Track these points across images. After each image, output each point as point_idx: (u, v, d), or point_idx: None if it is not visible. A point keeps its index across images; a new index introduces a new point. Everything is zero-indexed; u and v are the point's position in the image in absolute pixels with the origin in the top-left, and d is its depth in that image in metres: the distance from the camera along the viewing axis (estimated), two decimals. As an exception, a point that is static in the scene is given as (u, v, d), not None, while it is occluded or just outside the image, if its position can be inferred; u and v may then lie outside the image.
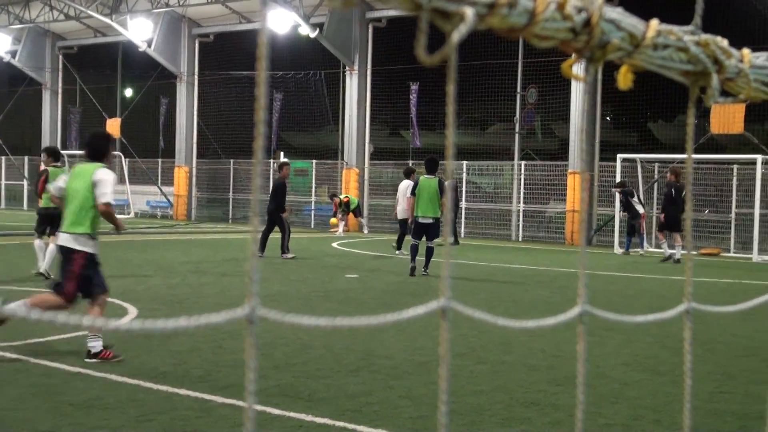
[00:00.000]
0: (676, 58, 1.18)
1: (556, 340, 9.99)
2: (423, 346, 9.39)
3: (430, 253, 16.77)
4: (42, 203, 14.53)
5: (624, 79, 1.17)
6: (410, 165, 26.53)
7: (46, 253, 14.42)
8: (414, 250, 16.75)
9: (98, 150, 8.75)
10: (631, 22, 1.09)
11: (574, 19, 1.02)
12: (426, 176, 16.90)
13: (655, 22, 1.13)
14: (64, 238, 8.41)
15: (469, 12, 0.99)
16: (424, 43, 1.00)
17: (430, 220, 16.61)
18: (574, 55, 1.12)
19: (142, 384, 7.28)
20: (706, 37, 1.21)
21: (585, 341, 1.13)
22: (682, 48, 1.17)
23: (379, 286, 14.92)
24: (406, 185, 20.87)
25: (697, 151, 27.57)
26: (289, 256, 20.12)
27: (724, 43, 1.26)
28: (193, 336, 9.61)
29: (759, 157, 24.47)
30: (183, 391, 7.06)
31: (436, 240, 16.82)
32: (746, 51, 1.34)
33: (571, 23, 1.02)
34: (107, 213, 8.49)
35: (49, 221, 13.97)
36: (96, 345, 8.22)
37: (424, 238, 16.71)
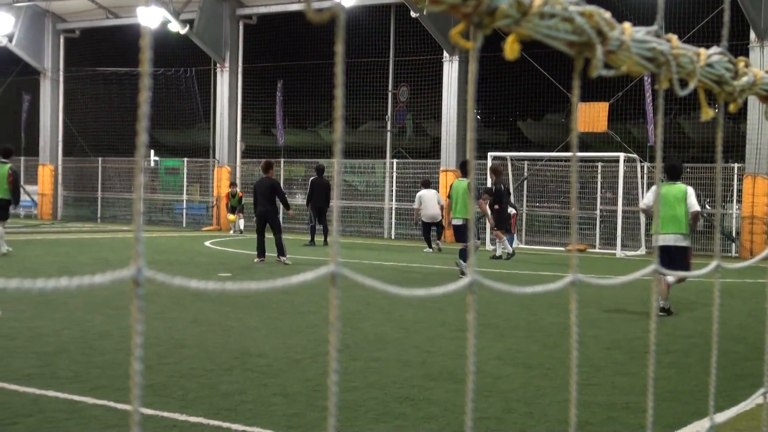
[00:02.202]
0: (562, 28, 1.19)
1: (429, 335, 10.09)
2: (297, 344, 9.35)
3: (462, 254, 17.47)
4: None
5: (511, 49, 1.17)
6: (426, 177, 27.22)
7: None
8: (462, 254, 17.53)
9: (679, 170, 12.66)
10: (519, -12, 1.09)
11: (463, -18, 1.01)
12: (460, 179, 17.53)
13: (542, -9, 1.14)
14: (673, 238, 12.06)
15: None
16: (311, 5, 0.97)
17: (461, 222, 17.20)
18: (462, 21, 1.11)
19: (7, 387, 7.02)
20: (590, 8, 1.23)
21: (475, 311, 1.13)
22: (567, 18, 1.18)
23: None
24: (432, 193, 24.20)
25: (563, 149, 28.31)
26: (288, 261, 19.13)
27: (607, 15, 1.28)
28: (61, 337, 9.35)
29: (621, 155, 25.26)
30: (51, 393, 6.85)
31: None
32: (627, 24, 1.36)
33: (461, -14, 1.02)
34: (695, 218, 12.13)
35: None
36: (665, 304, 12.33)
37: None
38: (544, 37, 1.18)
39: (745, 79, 1.65)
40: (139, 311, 0.79)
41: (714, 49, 1.59)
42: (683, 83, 1.51)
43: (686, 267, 12.00)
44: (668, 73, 1.43)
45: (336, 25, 0.84)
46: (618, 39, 1.29)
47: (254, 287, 1.01)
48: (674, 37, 1.47)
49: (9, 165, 19.34)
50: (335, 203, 1.10)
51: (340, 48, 0.91)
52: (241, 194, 31.38)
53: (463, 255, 17.44)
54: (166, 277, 0.85)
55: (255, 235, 19.81)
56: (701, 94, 1.62)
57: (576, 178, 1.35)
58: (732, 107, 1.70)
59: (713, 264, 1.96)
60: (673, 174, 12.64)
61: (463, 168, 17.85)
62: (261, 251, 19.21)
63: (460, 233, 17.41)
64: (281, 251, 19.07)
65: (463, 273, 17.26)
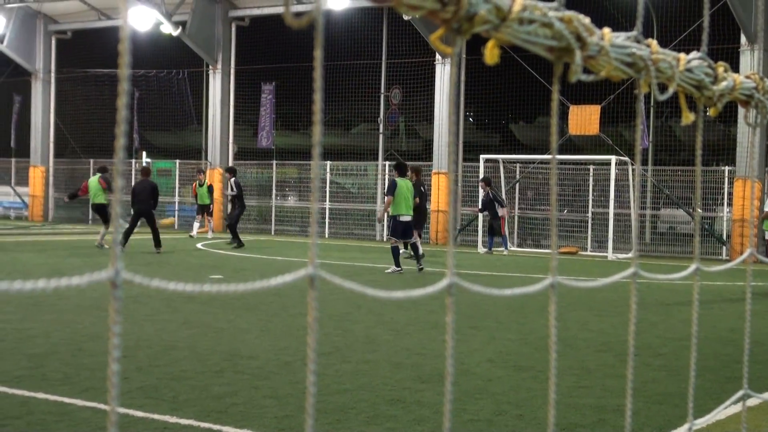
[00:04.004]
0: (541, 33, 1.20)
1: (420, 338, 10.09)
2: (287, 346, 9.35)
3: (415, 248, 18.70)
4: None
5: (491, 54, 1.18)
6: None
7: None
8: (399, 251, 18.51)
9: None
10: (497, -6, 1.10)
11: (442, -12, 1.02)
12: (399, 178, 18.50)
13: (521, -3, 1.15)
14: None
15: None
16: (290, 9, 0.98)
17: (409, 218, 18.31)
18: (442, 26, 1.12)
19: (-4, 389, 7.02)
20: (569, 13, 1.24)
21: (454, 313, 1.14)
22: (546, 23, 1.19)
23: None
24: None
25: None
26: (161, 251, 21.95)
27: (587, 20, 1.29)
28: (51, 339, 9.33)
29: (613, 158, 25.27)
30: (41, 395, 6.84)
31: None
32: (606, 30, 1.38)
33: (439, -8, 1.02)
34: None
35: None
36: None
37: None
38: (523, 43, 1.18)
39: (724, 83, 1.67)
40: (117, 313, 0.80)
41: (693, 54, 1.60)
42: (663, 88, 1.52)
43: None
44: (648, 77, 1.44)
45: (316, 28, 0.85)
46: (597, 44, 1.30)
47: (233, 289, 1.02)
48: (654, 42, 1.49)
49: (98, 175, 23.51)
50: (313, 205, 1.10)
51: (318, 54, 0.91)
52: (210, 183, 30.56)
53: (414, 249, 18.62)
54: (144, 279, 0.85)
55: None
56: (682, 98, 1.64)
57: (556, 180, 1.36)
58: (712, 112, 1.71)
59: (692, 267, 1.97)
60: None
61: (400, 168, 18.82)
62: (127, 239, 21.64)
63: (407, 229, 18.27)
64: (158, 243, 21.98)
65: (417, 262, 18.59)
